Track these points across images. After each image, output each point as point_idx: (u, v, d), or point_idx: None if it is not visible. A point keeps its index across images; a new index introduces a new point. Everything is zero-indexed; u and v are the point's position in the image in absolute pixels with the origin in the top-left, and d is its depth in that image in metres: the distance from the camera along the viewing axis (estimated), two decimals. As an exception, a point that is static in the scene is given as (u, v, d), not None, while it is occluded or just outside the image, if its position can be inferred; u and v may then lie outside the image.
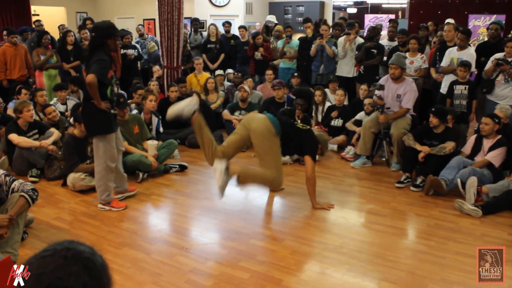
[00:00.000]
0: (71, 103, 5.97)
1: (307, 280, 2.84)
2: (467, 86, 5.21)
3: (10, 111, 5.61)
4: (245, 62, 7.88)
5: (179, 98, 6.14)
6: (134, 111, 5.61)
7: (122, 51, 7.23)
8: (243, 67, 7.83)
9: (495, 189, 4.04)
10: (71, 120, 5.16)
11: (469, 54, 5.42)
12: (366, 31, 7.37)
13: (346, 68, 6.78)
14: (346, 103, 6.24)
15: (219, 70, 7.46)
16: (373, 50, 6.43)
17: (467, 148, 4.66)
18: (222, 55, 8.06)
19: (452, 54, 5.54)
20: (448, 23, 6.50)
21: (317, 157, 5.30)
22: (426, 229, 3.61)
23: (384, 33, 8.71)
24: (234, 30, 9.42)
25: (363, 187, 4.62)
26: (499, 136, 4.43)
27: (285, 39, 7.37)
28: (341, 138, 5.83)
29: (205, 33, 8.72)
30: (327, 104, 6.19)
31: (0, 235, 2.81)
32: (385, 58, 6.48)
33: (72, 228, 3.60)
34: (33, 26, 8.68)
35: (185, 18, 7.58)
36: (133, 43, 7.91)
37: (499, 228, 3.61)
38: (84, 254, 0.91)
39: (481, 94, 5.40)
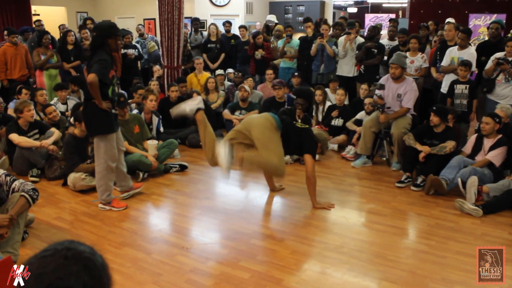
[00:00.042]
0: (71, 102, 5.97)
1: (307, 279, 2.83)
2: (467, 86, 5.21)
3: (10, 111, 5.61)
4: (245, 61, 7.88)
5: (180, 98, 6.15)
6: (135, 111, 5.61)
7: (123, 51, 7.24)
8: (244, 66, 7.82)
9: (496, 189, 4.03)
10: (72, 120, 5.16)
11: (470, 53, 5.41)
12: (366, 31, 7.36)
13: (347, 68, 6.77)
14: (346, 102, 6.23)
15: (219, 70, 7.47)
16: (373, 50, 6.43)
17: (468, 147, 4.65)
18: (223, 55, 8.06)
19: (452, 54, 5.54)
20: (448, 22, 6.50)
21: (317, 156, 5.33)
22: (426, 229, 3.61)
23: (384, 32, 8.70)
24: (235, 30, 9.42)
25: (364, 187, 4.62)
26: (500, 136, 4.43)
27: (285, 39, 7.37)
28: (342, 137, 5.83)
29: (205, 33, 8.72)
30: (328, 103, 6.19)
31: (0, 235, 2.81)
32: (385, 58, 6.47)
33: (72, 228, 3.60)
34: (34, 26, 8.68)
35: (186, 17, 7.58)
36: (133, 42, 7.91)
37: (499, 227, 3.61)
38: (85, 254, 0.91)
39: (482, 94, 5.40)
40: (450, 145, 4.47)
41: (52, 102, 5.86)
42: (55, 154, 4.77)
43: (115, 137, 3.86)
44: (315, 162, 3.99)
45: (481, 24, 9.57)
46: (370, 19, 12.98)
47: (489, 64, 5.23)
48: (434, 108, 4.68)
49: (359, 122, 5.57)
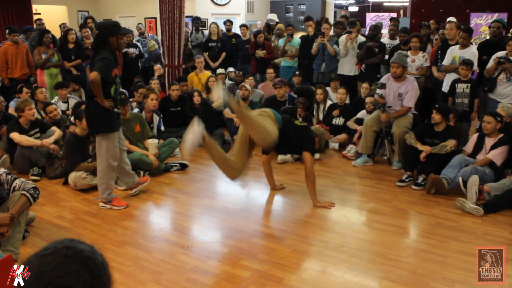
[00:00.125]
0: (72, 101, 5.97)
1: (308, 278, 2.83)
2: (469, 85, 5.20)
3: (11, 110, 5.61)
4: (246, 60, 7.88)
5: (180, 97, 6.16)
6: (135, 110, 5.61)
7: (123, 50, 7.23)
8: (244, 65, 7.82)
9: (497, 188, 4.03)
10: (72, 118, 5.16)
11: (471, 52, 5.40)
12: (367, 30, 7.35)
13: (348, 67, 6.76)
14: (347, 101, 6.23)
15: (220, 69, 7.46)
16: (374, 49, 6.42)
17: (469, 146, 4.65)
18: (224, 54, 8.05)
19: (454, 53, 5.53)
20: (449, 21, 6.50)
21: (318, 155, 5.34)
22: (427, 228, 3.60)
23: (385, 31, 8.69)
24: (236, 29, 9.41)
25: (365, 186, 4.62)
26: (501, 135, 4.43)
27: (286, 38, 7.37)
28: (343, 136, 5.83)
29: (206, 32, 8.72)
30: (329, 102, 6.19)
31: (1, 233, 2.82)
32: (386, 57, 6.47)
33: (73, 227, 3.60)
34: (34, 25, 8.68)
35: (187, 16, 7.58)
36: (134, 41, 7.91)
37: (500, 226, 3.60)
38: (85, 253, 0.91)
39: (483, 93, 5.39)
40: (450, 143, 4.46)
41: (53, 101, 5.87)
42: (56, 153, 4.77)
43: (117, 136, 3.86)
44: (316, 161, 3.99)
45: (482, 23, 9.56)
46: (371, 18, 12.98)
47: (491, 63, 5.22)
48: (436, 105, 4.68)
49: (360, 121, 5.56)
